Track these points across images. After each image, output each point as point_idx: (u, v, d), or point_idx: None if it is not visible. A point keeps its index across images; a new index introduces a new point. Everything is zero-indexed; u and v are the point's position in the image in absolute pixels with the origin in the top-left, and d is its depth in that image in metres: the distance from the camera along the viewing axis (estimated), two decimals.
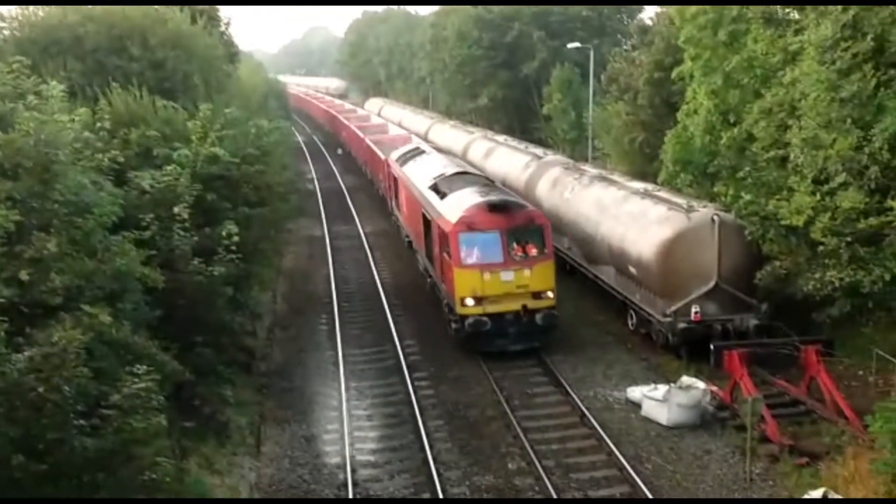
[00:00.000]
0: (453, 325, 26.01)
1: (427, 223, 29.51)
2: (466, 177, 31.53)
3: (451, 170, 32.87)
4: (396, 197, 40.28)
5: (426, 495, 18.22)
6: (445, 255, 25.96)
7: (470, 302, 24.85)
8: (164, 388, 14.40)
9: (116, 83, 24.07)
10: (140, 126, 22.00)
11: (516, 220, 25.35)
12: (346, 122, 77.71)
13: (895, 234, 18.72)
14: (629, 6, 60.84)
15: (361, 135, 62.80)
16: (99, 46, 28.15)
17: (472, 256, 24.92)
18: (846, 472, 16.97)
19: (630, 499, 17.02)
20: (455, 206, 26.36)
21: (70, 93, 21.11)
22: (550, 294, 25.14)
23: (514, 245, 25.05)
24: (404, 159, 39.35)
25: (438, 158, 37.77)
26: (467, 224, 25.03)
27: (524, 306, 24.84)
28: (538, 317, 24.88)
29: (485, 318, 24.67)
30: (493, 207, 25.49)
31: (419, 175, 33.78)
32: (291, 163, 45.33)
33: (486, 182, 31.12)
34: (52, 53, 26.96)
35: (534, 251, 25.20)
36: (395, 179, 39.75)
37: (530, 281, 24.88)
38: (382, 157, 47.24)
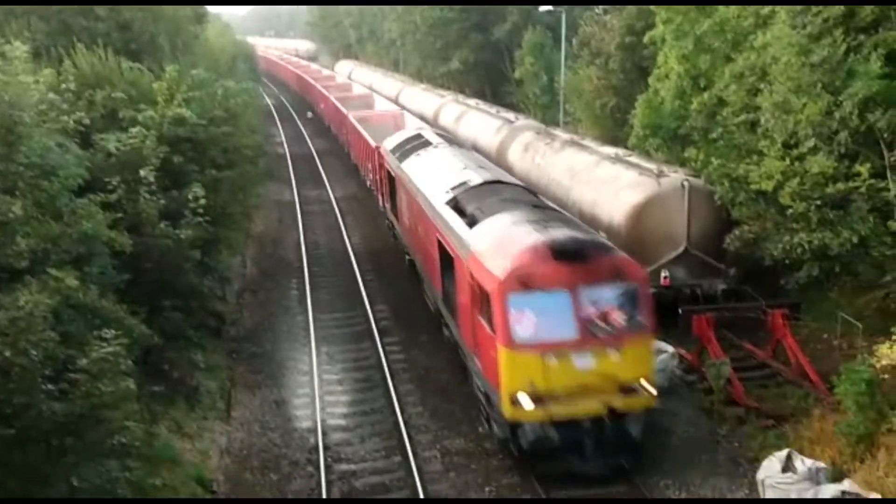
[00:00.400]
0: (496, 432, 17.74)
1: (446, 255, 20.90)
2: (502, 189, 22.10)
3: (476, 176, 23.36)
4: (393, 199, 31.12)
5: (397, 458, 18.32)
6: (483, 320, 17.20)
7: (525, 402, 15.94)
8: (132, 352, 14.33)
9: (82, 44, 23.67)
10: (106, 87, 21.69)
11: (597, 273, 16.48)
12: (323, 91, 68.09)
13: (862, 199, 18.91)
14: None
15: (343, 109, 52.99)
16: (64, 7, 27.62)
17: (528, 329, 16.19)
18: (811, 434, 17.26)
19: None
20: (497, 246, 17.52)
21: (34, 54, 20.76)
22: (649, 387, 16.54)
23: (593, 311, 16.41)
24: (404, 151, 29.75)
25: (454, 155, 27.34)
26: (522, 280, 16.18)
27: (610, 408, 16.27)
28: (630, 424, 16.65)
29: (550, 432, 16.31)
30: (561, 253, 16.54)
31: (430, 180, 24.74)
32: (261, 126, 44.79)
33: (534, 200, 21.58)
34: (17, 13, 26.42)
35: (622, 320, 16.51)
36: (392, 178, 30.64)
37: (619, 367, 16.37)
38: (372, 143, 38.09)
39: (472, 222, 19.55)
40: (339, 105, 56.04)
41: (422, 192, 24.51)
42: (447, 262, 20.75)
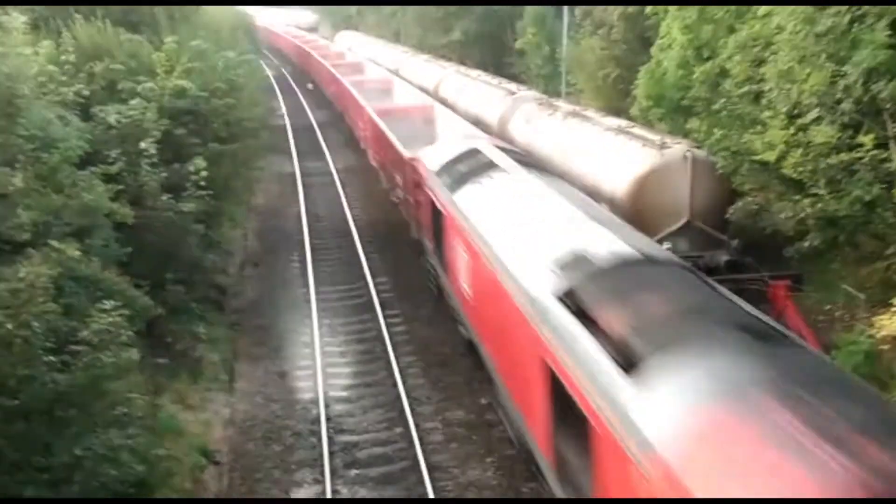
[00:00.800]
0: None
1: (565, 399, 11.48)
2: (658, 276, 12.56)
3: (600, 244, 13.52)
4: (438, 239, 22.06)
5: (399, 430, 18.41)
6: None
7: None
8: (134, 324, 14.38)
9: (80, 15, 23.53)
10: (105, 59, 21.60)
11: None
12: (333, 71, 58.48)
13: (865, 169, 18.83)
14: None
15: (362, 100, 42.48)
16: None
17: None
18: None
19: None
20: (739, 471, 7.78)
21: (33, 25, 20.66)
22: None
23: None
24: (457, 176, 20.62)
25: (543, 193, 17.62)
26: None
27: None
28: None
29: None
30: None
31: (512, 240, 15.51)
32: (262, 98, 44.55)
33: (739, 311, 11.24)
34: None
35: None
36: (438, 211, 21.38)
37: None
38: (404, 152, 28.80)
39: (628, 360, 10.09)
40: (355, 93, 45.64)
41: (500, 261, 15.28)
42: (569, 413, 11.29)
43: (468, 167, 20.86)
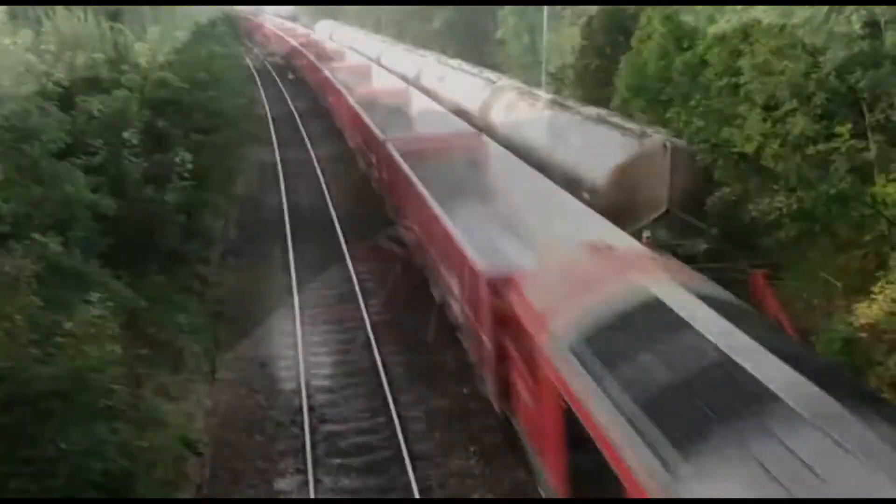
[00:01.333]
0: None
1: None
2: None
3: None
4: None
5: (382, 419, 18.47)
6: None
7: None
8: (117, 316, 14.36)
9: (61, 5, 23.38)
10: (86, 49, 21.49)
11: None
12: (331, 78, 47.66)
13: (842, 159, 19.01)
14: None
15: (378, 132, 30.39)
16: None
17: None
18: None
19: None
20: None
21: (11, 15, 20.54)
22: None
23: None
24: (650, 404, 9.11)
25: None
26: None
27: None
28: None
29: None
30: None
31: None
32: (244, 88, 44.24)
33: None
34: None
35: None
36: (617, 478, 9.07)
37: None
38: (479, 266, 16.29)
39: None
40: (368, 121, 33.03)
41: None
42: None
43: (678, 379, 9.48)
